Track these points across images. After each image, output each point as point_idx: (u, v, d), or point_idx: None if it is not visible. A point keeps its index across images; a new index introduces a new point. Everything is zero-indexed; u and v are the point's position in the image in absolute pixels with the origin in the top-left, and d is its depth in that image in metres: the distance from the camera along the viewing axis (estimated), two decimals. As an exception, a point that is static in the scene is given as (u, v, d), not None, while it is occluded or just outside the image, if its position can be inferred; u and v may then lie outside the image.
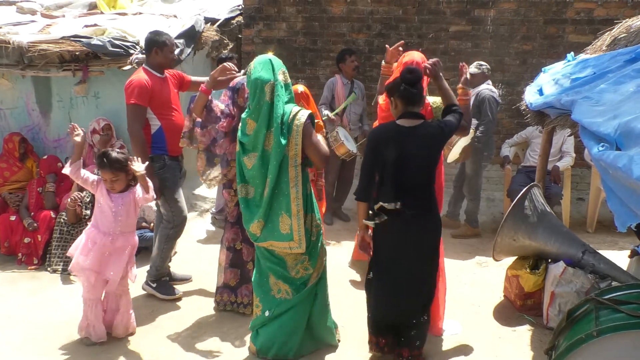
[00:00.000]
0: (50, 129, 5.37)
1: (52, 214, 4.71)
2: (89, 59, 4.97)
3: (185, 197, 4.31)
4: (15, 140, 5.02)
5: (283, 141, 3.02)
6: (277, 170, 3.04)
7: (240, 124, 3.21)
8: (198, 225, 5.60)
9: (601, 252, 3.79)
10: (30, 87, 5.28)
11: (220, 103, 3.63)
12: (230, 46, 6.43)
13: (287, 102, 3.11)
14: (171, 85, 4.02)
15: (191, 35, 5.53)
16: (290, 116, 3.05)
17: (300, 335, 3.25)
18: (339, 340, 3.47)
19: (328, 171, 5.32)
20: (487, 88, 5.24)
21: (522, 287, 3.85)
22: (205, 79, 4.28)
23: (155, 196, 3.51)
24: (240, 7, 6.69)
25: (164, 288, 4.05)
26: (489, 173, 6.17)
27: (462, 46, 6.19)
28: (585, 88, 3.13)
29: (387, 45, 3.96)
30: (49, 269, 4.54)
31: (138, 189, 3.39)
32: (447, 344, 3.51)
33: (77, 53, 4.90)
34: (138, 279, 3.69)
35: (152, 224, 4.63)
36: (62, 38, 5.02)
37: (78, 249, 3.37)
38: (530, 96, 3.87)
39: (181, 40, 5.27)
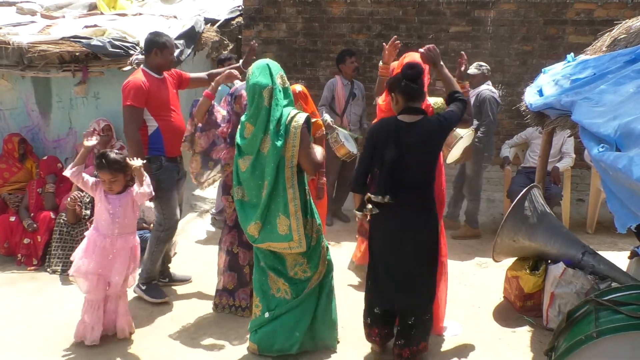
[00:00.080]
0: (50, 130, 5.36)
1: (52, 215, 4.70)
2: (88, 60, 4.96)
3: (185, 198, 4.31)
4: (15, 141, 5.02)
5: (278, 143, 3.02)
6: (274, 172, 3.04)
7: (239, 127, 3.21)
8: (198, 226, 5.61)
9: (601, 253, 3.78)
10: (30, 87, 5.27)
11: (222, 109, 3.64)
12: (230, 47, 6.44)
13: (286, 106, 3.12)
14: (170, 86, 4.01)
15: (191, 36, 5.53)
16: (288, 118, 3.06)
17: (302, 332, 3.25)
18: (338, 342, 3.46)
19: (328, 172, 5.31)
20: (487, 89, 5.23)
21: (522, 288, 3.85)
22: (204, 74, 4.30)
23: (152, 192, 3.49)
24: (240, 8, 6.71)
25: (153, 291, 4.02)
26: (489, 174, 6.16)
27: (462, 47, 6.17)
28: (585, 89, 3.13)
29: (383, 44, 3.92)
30: (48, 269, 4.53)
31: (135, 187, 3.37)
32: (447, 344, 3.51)
33: (77, 54, 4.89)
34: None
35: (151, 225, 4.62)
36: (62, 39, 5.01)
37: (80, 252, 3.38)
38: (530, 97, 3.87)
39: (181, 41, 5.27)
